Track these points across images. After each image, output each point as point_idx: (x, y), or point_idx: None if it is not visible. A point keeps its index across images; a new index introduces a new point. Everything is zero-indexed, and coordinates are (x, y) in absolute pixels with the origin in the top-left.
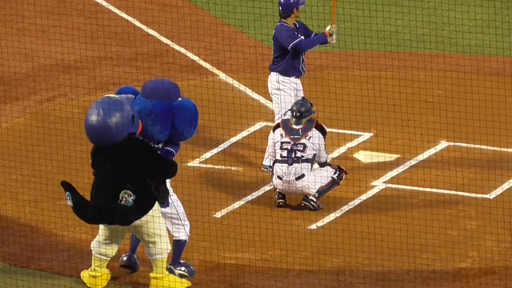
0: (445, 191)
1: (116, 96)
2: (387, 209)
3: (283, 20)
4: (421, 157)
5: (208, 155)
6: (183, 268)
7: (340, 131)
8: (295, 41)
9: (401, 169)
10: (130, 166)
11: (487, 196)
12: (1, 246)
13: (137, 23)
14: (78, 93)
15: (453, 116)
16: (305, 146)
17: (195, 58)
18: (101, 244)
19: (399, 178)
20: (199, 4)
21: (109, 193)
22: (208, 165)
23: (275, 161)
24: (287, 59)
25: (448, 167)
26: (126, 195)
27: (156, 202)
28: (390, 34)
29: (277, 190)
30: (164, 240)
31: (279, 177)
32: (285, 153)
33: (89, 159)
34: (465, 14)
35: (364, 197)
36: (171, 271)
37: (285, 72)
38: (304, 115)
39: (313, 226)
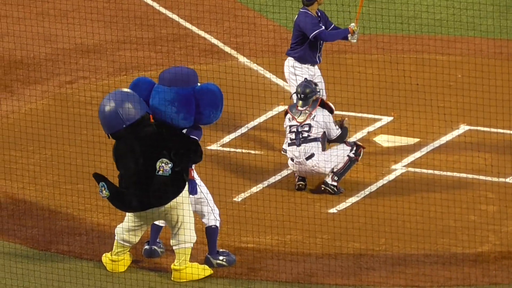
0: (465, 175)
1: (126, 90)
2: (407, 193)
3: (306, 7)
4: (441, 141)
5: (228, 138)
6: (221, 258)
7: (360, 115)
8: (318, 31)
9: (421, 153)
10: (158, 143)
11: (507, 180)
12: (21, 230)
13: (158, 7)
14: (98, 77)
15: (473, 100)
16: (310, 125)
17: (215, 42)
18: (125, 231)
19: (419, 162)
20: None
21: (144, 174)
22: (228, 149)
23: (288, 144)
24: (305, 47)
25: (468, 151)
26: (163, 164)
27: (185, 189)
28: (410, 19)
29: (296, 173)
30: (191, 229)
31: (291, 159)
32: (293, 136)
33: (109, 144)
34: None
35: (384, 181)
36: (208, 262)
37: (301, 59)
38: (309, 96)
39: (333, 210)
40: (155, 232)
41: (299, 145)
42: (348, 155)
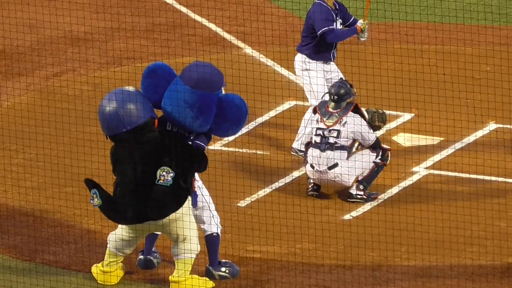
0: (493, 178)
1: (130, 88)
2: (429, 198)
3: None
4: (467, 140)
5: (231, 137)
6: (223, 269)
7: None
8: (327, 28)
9: (445, 153)
10: (160, 150)
11: None
12: (3, 238)
13: None
14: (88, 68)
15: (503, 95)
16: (339, 132)
17: (218, 29)
18: (119, 239)
19: (443, 163)
20: None
21: (142, 182)
22: (232, 149)
23: (309, 144)
24: (317, 42)
25: (497, 151)
26: (164, 173)
27: (188, 201)
28: (434, 3)
29: (310, 179)
30: (194, 240)
31: (311, 166)
32: (318, 139)
33: (100, 142)
34: None
35: (404, 184)
36: (209, 274)
37: (312, 56)
38: (344, 98)
39: (348, 217)
40: (150, 241)
41: (323, 151)
42: (374, 161)
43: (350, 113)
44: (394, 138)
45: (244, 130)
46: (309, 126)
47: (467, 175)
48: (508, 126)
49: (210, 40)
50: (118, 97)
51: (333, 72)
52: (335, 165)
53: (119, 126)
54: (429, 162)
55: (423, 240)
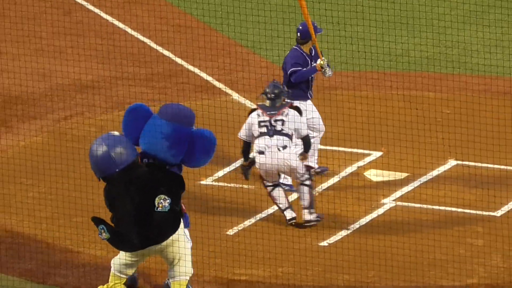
0: (453, 209)
1: (115, 133)
2: (397, 227)
3: (299, 45)
4: (429, 175)
5: (221, 173)
6: None
7: (350, 149)
8: (293, 69)
9: (410, 187)
10: (152, 181)
11: (494, 213)
12: (18, 262)
13: (152, 44)
14: (95, 112)
15: (461, 136)
16: (283, 121)
17: (209, 78)
18: (122, 263)
19: (408, 196)
20: (212, 25)
21: (141, 212)
22: (222, 183)
23: (255, 139)
24: (292, 84)
25: (456, 185)
26: (161, 200)
27: (181, 224)
28: (402, 53)
29: (264, 176)
30: (189, 264)
31: (260, 152)
32: (264, 129)
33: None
34: (473, 34)
35: (374, 214)
36: None
37: (292, 97)
38: (278, 95)
39: (324, 243)
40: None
41: (272, 136)
42: (305, 184)
43: (289, 109)
44: (365, 173)
45: (232, 166)
46: (249, 127)
47: (430, 206)
48: (467, 163)
49: (202, 88)
50: (106, 141)
51: (313, 111)
52: (285, 146)
53: (112, 167)
54: (396, 195)
55: (390, 264)
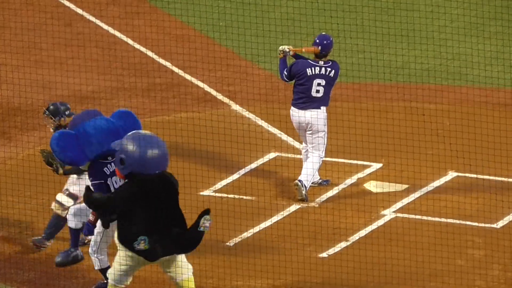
0: (453, 221)
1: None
2: (396, 238)
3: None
4: (429, 187)
5: (220, 185)
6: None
7: (350, 161)
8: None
9: (410, 198)
10: (174, 190)
11: (494, 225)
12: (18, 273)
13: (152, 55)
14: None
15: (461, 148)
16: None
17: (209, 89)
18: (117, 271)
19: (409, 207)
20: (211, 36)
21: (166, 219)
22: (222, 194)
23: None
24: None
25: (456, 196)
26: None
27: None
28: (398, 69)
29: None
30: (185, 262)
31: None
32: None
33: None
34: (474, 46)
35: (374, 226)
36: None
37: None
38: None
39: (324, 255)
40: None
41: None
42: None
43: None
44: (365, 185)
45: (232, 178)
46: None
47: (429, 218)
48: (466, 175)
49: (202, 99)
50: (158, 140)
51: (325, 125)
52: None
53: (166, 164)
54: (396, 206)
55: (390, 275)
